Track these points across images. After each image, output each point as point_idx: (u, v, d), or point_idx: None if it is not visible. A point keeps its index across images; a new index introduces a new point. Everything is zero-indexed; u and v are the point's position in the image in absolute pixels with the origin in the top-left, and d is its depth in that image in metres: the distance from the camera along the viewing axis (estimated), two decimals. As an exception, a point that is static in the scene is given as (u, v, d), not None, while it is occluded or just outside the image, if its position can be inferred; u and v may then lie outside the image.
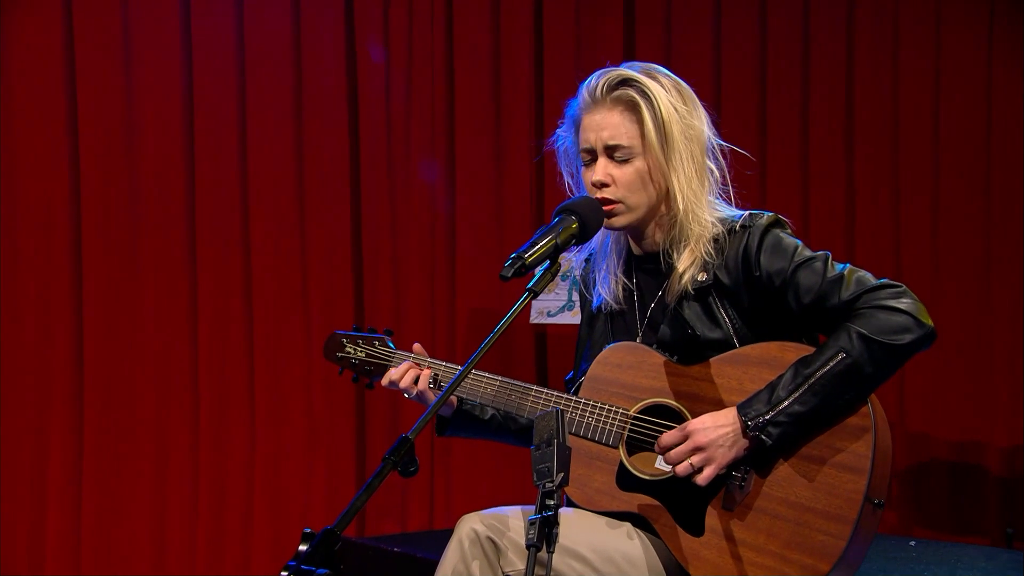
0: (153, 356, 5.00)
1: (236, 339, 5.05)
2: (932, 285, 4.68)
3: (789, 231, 2.56)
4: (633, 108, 2.53)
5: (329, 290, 5.03)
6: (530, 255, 2.34)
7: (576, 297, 4.55)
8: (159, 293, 5.02)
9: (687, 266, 2.56)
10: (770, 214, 2.56)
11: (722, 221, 2.56)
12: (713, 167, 2.59)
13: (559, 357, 4.90)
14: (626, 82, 2.54)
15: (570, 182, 2.66)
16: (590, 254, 2.75)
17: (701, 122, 2.57)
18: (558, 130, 2.67)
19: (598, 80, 2.56)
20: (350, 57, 5.06)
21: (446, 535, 2.58)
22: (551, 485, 2.15)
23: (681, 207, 2.54)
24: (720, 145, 2.62)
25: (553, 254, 2.37)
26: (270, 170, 5.06)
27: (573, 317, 4.55)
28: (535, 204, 4.97)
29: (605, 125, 2.55)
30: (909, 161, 4.75)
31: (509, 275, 2.33)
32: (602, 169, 2.55)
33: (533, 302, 4.58)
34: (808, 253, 2.51)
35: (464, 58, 5.01)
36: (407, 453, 2.13)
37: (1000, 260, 4.67)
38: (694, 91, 2.59)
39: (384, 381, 2.76)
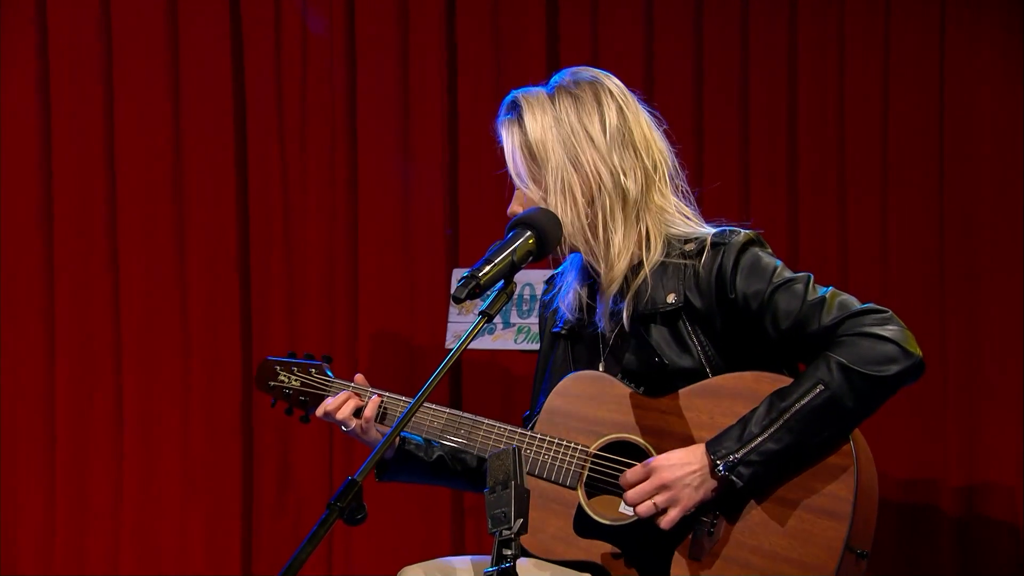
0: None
1: (100, 369, 4.97)
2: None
3: (769, 250, 2.61)
4: (512, 134, 2.66)
5: (211, 311, 4.98)
6: (484, 274, 2.38)
7: (498, 320, 4.56)
8: (6, 313, 4.90)
9: (614, 294, 2.62)
10: (747, 231, 2.61)
11: (694, 240, 2.59)
12: (629, 185, 2.61)
13: (475, 386, 4.89)
14: (512, 104, 2.67)
15: None
16: (553, 275, 2.78)
17: (615, 134, 2.62)
18: None
19: (501, 105, 2.71)
20: (236, 48, 5.02)
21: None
22: (508, 533, 2.17)
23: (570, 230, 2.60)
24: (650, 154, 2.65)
25: (509, 273, 2.41)
26: (140, 179, 5.00)
27: (494, 342, 4.56)
28: (448, 213, 4.96)
29: (506, 152, 2.69)
30: (856, 164, 4.84)
31: (463, 296, 2.38)
32: (515, 198, 2.67)
33: (448, 324, 4.59)
34: (788, 274, 2.56)
35: (367, 51, 4.98)
36: (354, 498, 2.13)
37: (955, 281, 4.78)
38: (638, 99, 2.66)
39: (319, 412, 2.78)
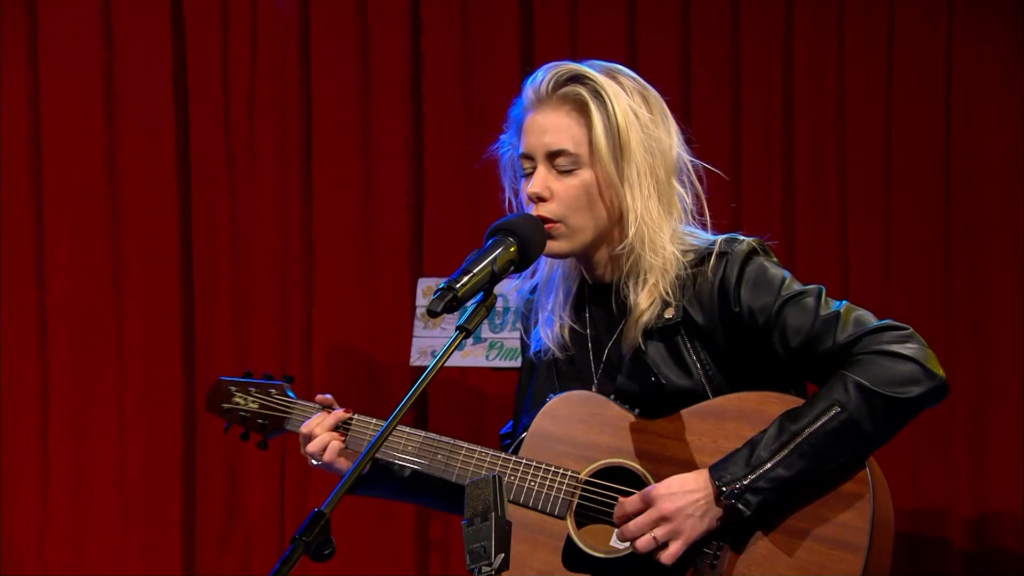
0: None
1: (22, 392, 4.97)
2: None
3: (774, 259, 2.62)
4: (582, 109, 2.57)
5: (150, 326, 4.99)
6: (462, 285, 2.37)
7: (467, 335, 4.58)
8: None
9: (646, 307, 2.59)
10: (751, 239, 2.62)
11: (693, 251, 2.60)
12: (684, 192, 2.63)
13: (442, 408, 4.90)
14: (577, 78, 2.59)
15: (512, 200, 2.69)
16: (535, 285, 2.77)
17: (669, 136, 2.62)
18: (502, 136, 2.70)
19: (545, 75, 2.61)
20: (177, 33, 5.03)
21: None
22: (488, 569, 2.17)
23: (633, 232, 2.57)
24: (694, 164, 2.66)
25: (489, 284, 2.40)
26: (69, 175, 5.01)
27: (463, 359, 4.57)
28: (412, 216, 4.98)
29: (547, 127, 2.59)
30: (857, 167, 4.87)
31: (439, 309, 2.37)
32: (540, 180, 2.58)
33: (414, 339, 4.60)
34: (798, 287, 2.57)
35: (322, 37, 5.01)
36: (321, 532, 2.14)
37: (961, 292, 4.83)
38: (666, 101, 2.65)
39: (304, 429, 2.76)
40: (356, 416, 2.77)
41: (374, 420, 2.76)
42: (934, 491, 4.82)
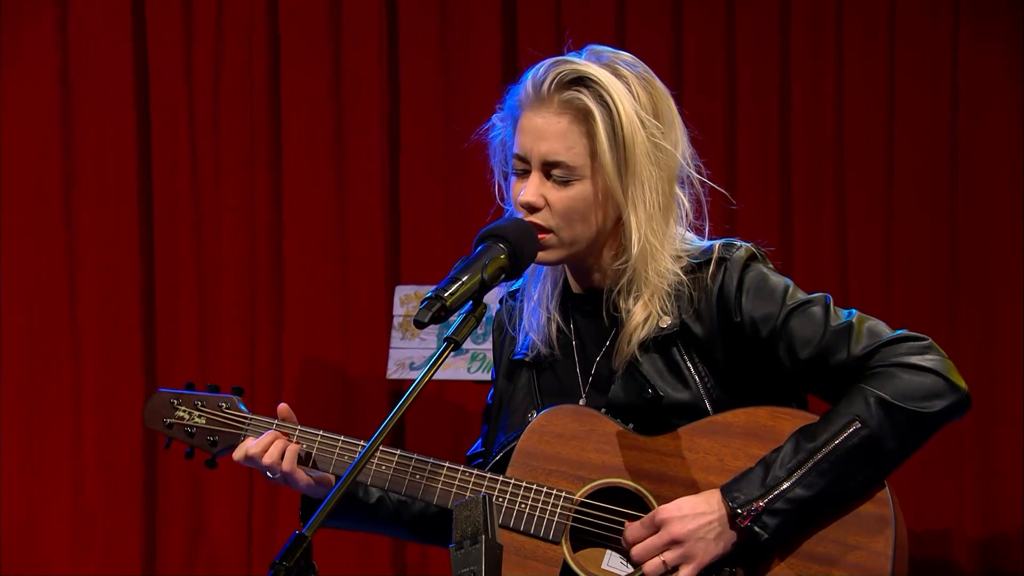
0: None
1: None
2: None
3: (771, 266, 2.61)
4: (585, 118, 2.54)
5: (110, 338, 4.99)
6: (451, 294, 2.35)
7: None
8: None
9: (640, 321, 2.57)
10: (747, 244, 2.60)
11: (690, 257, 2.59)
12: (685, 199, 2.61)
13: (422, 424, 4.90)
14: (582, 80, 2.55)
15: (502, 183, 2.66)
16: (516, 287, 2.76)
17: (677, 141, 2.58)
18: (494, 116, 2.65)
19: (547, 72, 2.56)
20: (137, 26, 5.03)
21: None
22: (479, 595, 2.16)
23: (636, 251, 2.55)
24: (696, 166, 2.62)
25: (479, 293, 2.39)
26: (23, 176, 5.01)
27: (443, 372, 4.56)
28: (389, 220, 4.98)
29: (546, 134, 2.55)
30: (857, 166, 4.89)
31: (426, 320, 2.35)
32: (534, 189, 2.55)
33: (391, 351, 4.59)
34: (802, 295, 2.55)
35: (292, 32, 5.01)
36: (303, 557, 2.12)
37: (968, 299, 4.85)
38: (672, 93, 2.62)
39: (238, 455, 2.70)
40: (323, 433, 2.72)
41: (321, 432, 2.70)
42: (940, 511, 4.83)
